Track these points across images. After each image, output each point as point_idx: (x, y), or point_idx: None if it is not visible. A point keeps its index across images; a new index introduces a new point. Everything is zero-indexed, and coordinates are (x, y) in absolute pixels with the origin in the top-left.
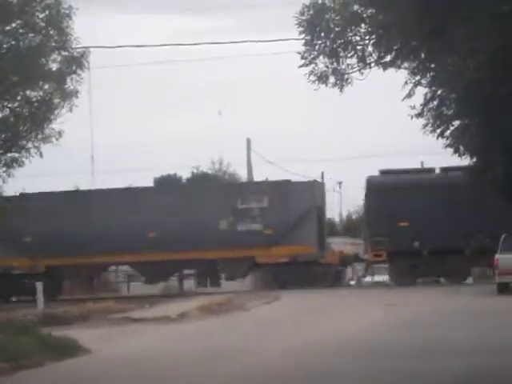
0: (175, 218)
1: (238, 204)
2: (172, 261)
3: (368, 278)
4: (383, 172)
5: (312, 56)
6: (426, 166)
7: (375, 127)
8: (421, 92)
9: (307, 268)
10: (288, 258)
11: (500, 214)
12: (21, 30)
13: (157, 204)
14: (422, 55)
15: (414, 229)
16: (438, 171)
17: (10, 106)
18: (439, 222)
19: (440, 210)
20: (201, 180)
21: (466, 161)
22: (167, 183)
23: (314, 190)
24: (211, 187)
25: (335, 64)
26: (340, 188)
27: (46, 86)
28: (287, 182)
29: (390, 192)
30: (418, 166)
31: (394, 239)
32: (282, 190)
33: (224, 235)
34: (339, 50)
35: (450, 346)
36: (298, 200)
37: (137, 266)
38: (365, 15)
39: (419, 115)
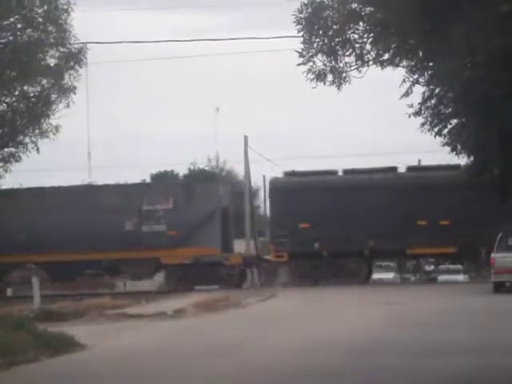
0: (81, 218)
1: (144, 205)
2: (77, 261)
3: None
4: (287, 174)
5: (310, 54)
6: (423, 164)
7: (375, 125)
8: (419, 91)
9: (211, 269)
10: (191, 260)
11: (403, 216)
12: (19, 25)
13: (62, 204)
14: (420, 54)
15: (315, 230)
16: (340, 173)
17: (7, 101)
18: (339, 223)
19: (341, 211)
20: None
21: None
22: (70, 184)
23: (219, 191)
24: (117, 188)
25: (333, 62)
26: None
27: (44, 82)
28: (192, 183)
29: (293, 194)
30: (415, 164)
31: (295, 241)
32: (186, 191)
33: (129, 236)
34: (337, 48)
35: (446, 345)
36: (203, 202)
37: (42, 265)
38: (363, 13)
39: (417, 114)
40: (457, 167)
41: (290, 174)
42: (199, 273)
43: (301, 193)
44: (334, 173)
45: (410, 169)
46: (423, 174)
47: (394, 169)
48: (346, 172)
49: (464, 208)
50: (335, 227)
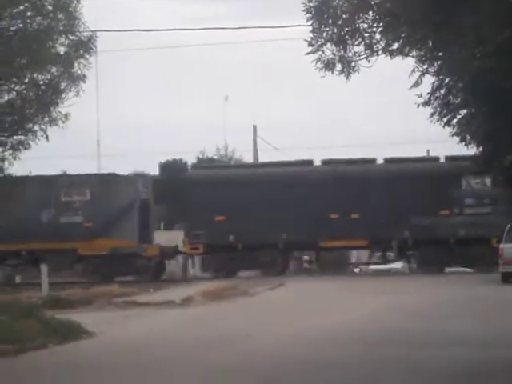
0: None
1: (61, 196)
2: None
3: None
4: (205, 167)
5: (319, 43)
6: (432, 154)
7: (381, 115)
8: (428, 81)
9: (128, 261)
10: (108, 251)
11: (316, 209)
12: (29, 13)
13: None
14: (430, 43)
15: (231, 223)
16: (256, 167)
17: (16, 88)
18: (254, 216)
19: (256, 204)
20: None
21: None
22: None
23: (137, 183)
24: (35, 179)
25: (342, 51)
26: None
27: (54, 70)
28: (109, 175)
29: (209, 187)
30: (423, 154)
31: (210, 233)
32: (104, 183)
33: (47, 227)
34: (347, 37)
35: (449, 337)
36: (120, 193)
37: None
38: (373, 2)
39: (426, 104)
40: (372, 161)
41: (207, 167)
42: (116, 264)
43: (217, 186)
44: (249, 166)
45: (325, 162)
46: (336, 167)
47: (309, 162)
48: (261, 165)
49: (374, 201)
50: (250, 220)
